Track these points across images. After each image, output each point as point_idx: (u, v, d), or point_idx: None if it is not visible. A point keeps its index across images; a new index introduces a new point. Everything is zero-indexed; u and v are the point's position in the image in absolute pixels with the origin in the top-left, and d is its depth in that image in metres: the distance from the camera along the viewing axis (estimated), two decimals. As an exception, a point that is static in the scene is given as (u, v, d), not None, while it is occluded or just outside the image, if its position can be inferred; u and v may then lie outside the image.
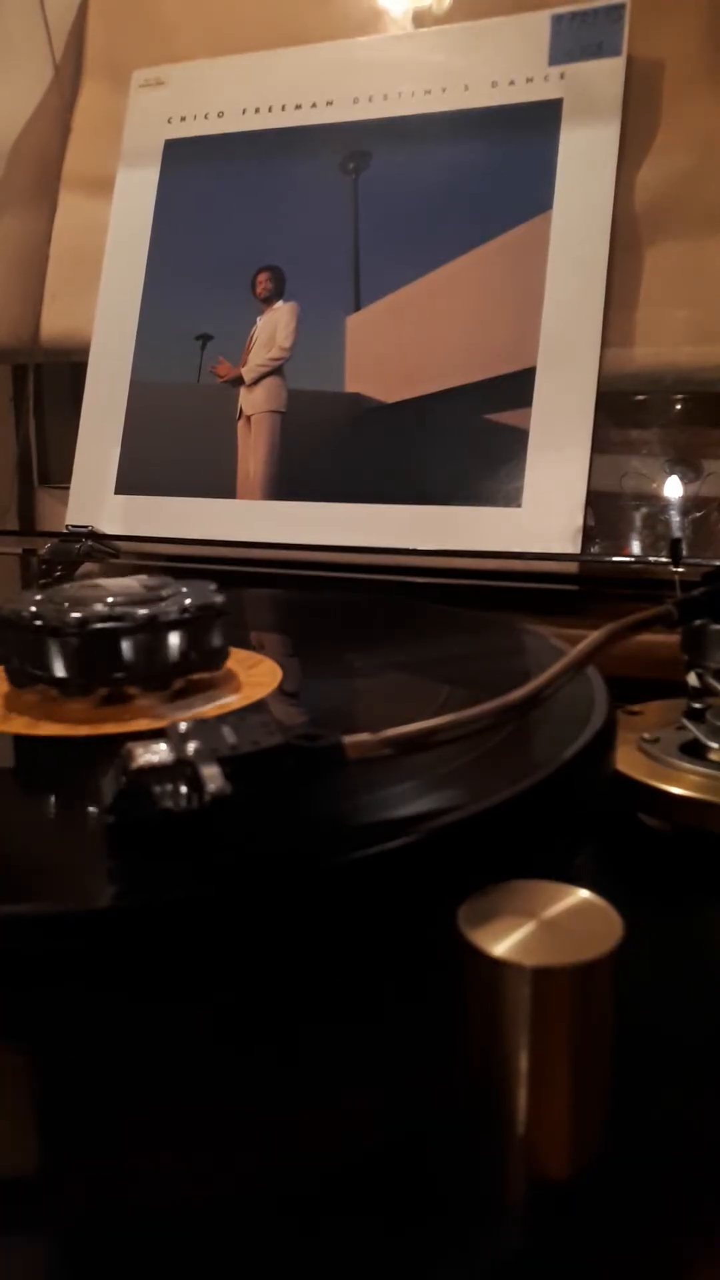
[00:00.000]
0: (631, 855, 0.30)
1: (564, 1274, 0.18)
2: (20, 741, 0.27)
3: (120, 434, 0.57)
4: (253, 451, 0.54)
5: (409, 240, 0.52)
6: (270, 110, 0.57)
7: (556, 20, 0.50)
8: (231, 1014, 0.18)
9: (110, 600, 0.28)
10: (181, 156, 0.58)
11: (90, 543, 0.55)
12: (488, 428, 0.49)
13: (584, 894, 0.19)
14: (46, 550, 0.55)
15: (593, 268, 0.48)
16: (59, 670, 0.27)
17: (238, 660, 0.32)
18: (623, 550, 0.51)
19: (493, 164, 0.51)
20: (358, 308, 0.53)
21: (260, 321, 0.55)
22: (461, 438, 0.49)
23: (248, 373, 0.55)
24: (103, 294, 0.59)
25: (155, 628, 0.27)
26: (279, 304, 0.55)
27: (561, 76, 0.50)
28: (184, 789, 0.19)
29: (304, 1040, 0.19)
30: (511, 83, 0.51)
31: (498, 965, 0.17)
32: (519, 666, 0.34)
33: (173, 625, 0.28)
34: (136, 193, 0.59)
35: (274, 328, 0.54)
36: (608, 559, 0.48)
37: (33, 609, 0.28)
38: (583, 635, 0.28)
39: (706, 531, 0.51)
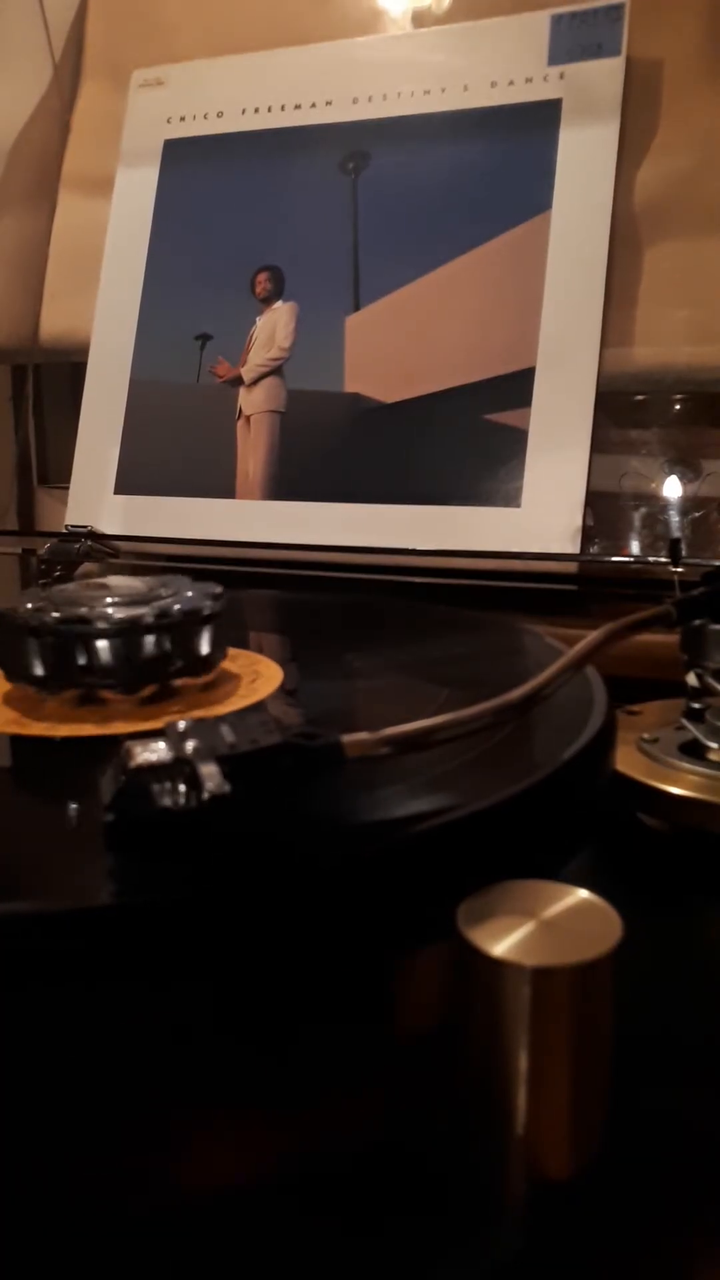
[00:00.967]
0: (631, 855, 0.30)
1: (564, 1274, 0.18)
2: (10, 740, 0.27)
3: (120, 434, 0.57)
4: (252, 451, 0.54)
5: (408, 240, 0.52)
6: (270, 110, 0.57)
7: (556, 20, 0.50)
8: (230, 1013, 0.18)
9: (96, 602, 0.28)
10: (181, 156, 0.58)
11: (89, 543, 0.55)
12: (487, 428, 0.49)
13: (583, 894, 0.19)
14: (46, 550, 0.55)
15: (592, 268, 0.48)
16: (37, 669, 0.28)
17: (237, 660, 0.32)
18: (622, 550, 0.51)
19: (492, 164, 0.51)
20: (357, 308, 0.53)
21: (260, 321, 0.55)
22: (461, 438, 0.49)
23: (247, 373, 0.55)
24: (102, 294, 0.59)
25: (130, 631, 0.27)
26: (278, 304, 0.55)
27: (561, 76, 0.50)
28: (182, 788, 0.19)
29: (303, 1040, 0.19)
30: (511, 83, 0.51)
31: (497, 965, 0.17)
32: (518, 666, 0.34)
33: (148, 629, 0.27)
34: (136, 193, 0.59)
35: (273, 328, 0.54)
36: (607, 559, 0.48)
37: (29, 606, 0.28)
38: (582, 635, 0.28)
39: (706, 531, 0.51)
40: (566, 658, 0.26)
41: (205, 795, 0.19)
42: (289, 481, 0.53)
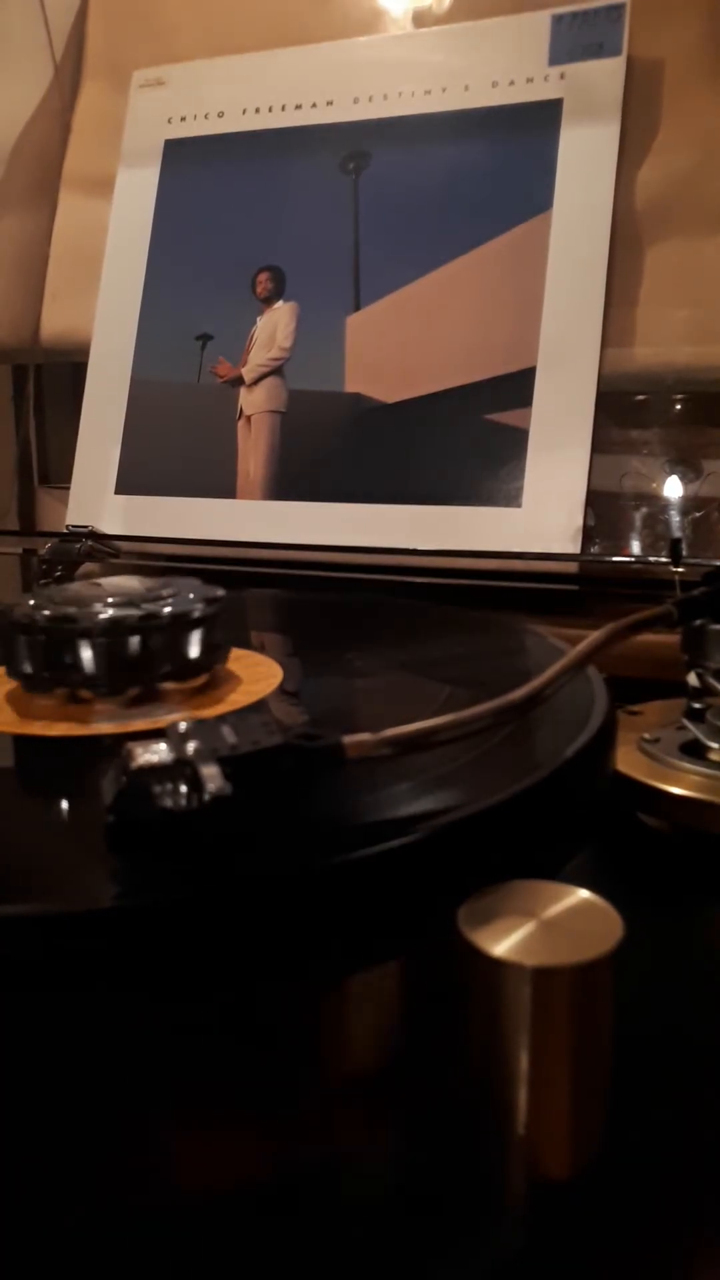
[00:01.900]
0: (631, 855, 0.30)
1: (564, 1274, 0.18)
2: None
3: (120, 434, 0.57)
4: (253, 451, 0.54)
5: (409, 240, 0.52)
6: (270, 110, 0.57)
7: (557, 20, 0.50)
8: (230, 1013, 0.18)
9: (90, 602, 0.28)
10: (182, 156, 0.58)
11: (90, 543, 0.55)
12: (488, 428, 0.49)
13: (584, 894, 0.19)
14: (47, 550, 0.55)
15: (593, 267, 0.48)
16: (26, 667, 0.28)
17: (237, 660, 0.32)
18: (623, 550, 0.51)
19: (493, 164, 0.51)
20: (358, 308, 0.53)
21: (260, 321, 0.55)
22: (461, 438, 0.49)
23: (248, 373, 0.55)
24: (103, 294, 0.59)
25: (112, 632, 0.27)
26: (279, 304, 0.55)
27: (562, 76, 0.50)
28: (183, 788, 0.19)
29: (303, 1039, 0.19)
30: (511, 83, 0.51)
31: (498, 965, 0.17)
32: (519, 666, 0.34)
33: (132, 631, 0.27)
34: (137, 193, 0.59)
35: (274, 328, 0.54)
36: (608, 559, 0.48)
37: (28, 604, 0.28)
38: (583, 635, 0.28)
39: (707, 531, 0.51)
40: (567, 658, 0.26)
41: (206, 796, 0.19)
42: (290, 481, 0.53)
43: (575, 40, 0.50)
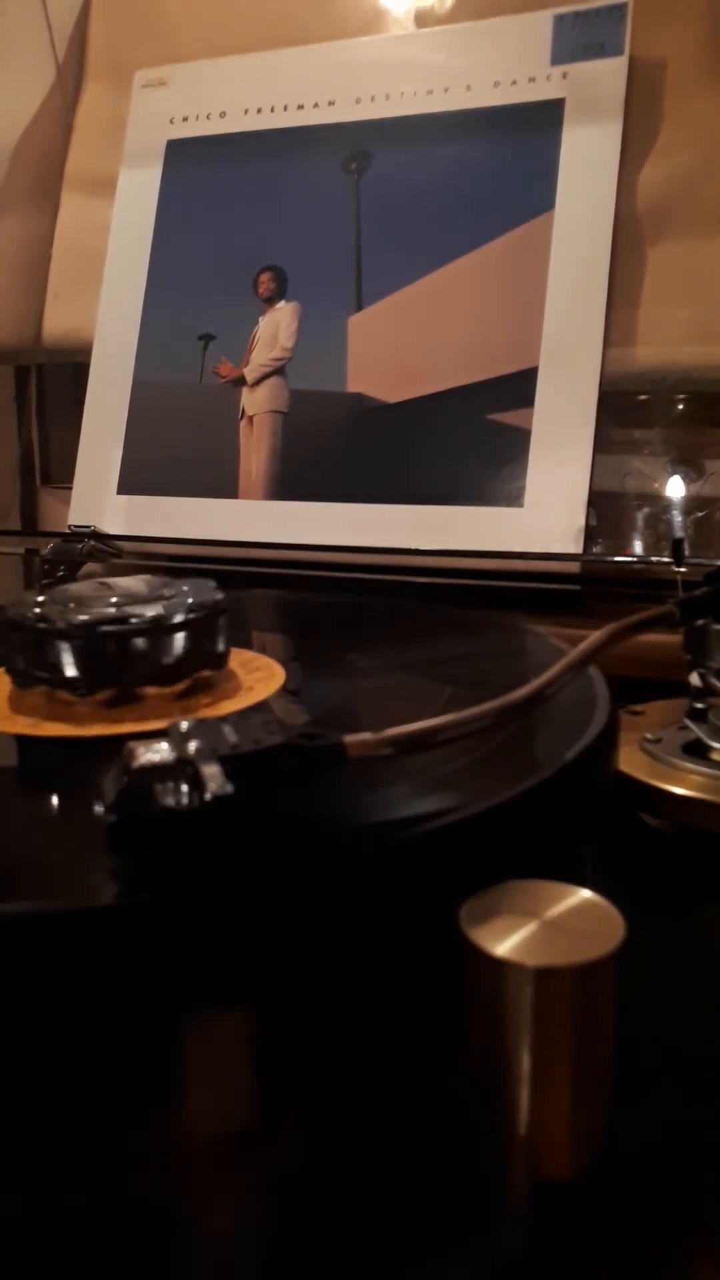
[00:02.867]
0: (633, 855, 0.30)
1: (564, 1274, 0.18)
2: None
3: (122, 434, 0.57)
4: (255, 452, 0.54)
5: (411, 240, 0.52)
6: (272, 110, 0.57)
7: (558, 20, 0.50)
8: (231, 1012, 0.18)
9: (87, 602, 0.28)
10: (184, 157, 0.58)
11: (93, 543, 0.55)
12: (489, 428, 0.49)
13: (586, 894, 0.19)
14: (49, 550, 0.55)
15: (595, 267, 0.48)
16: (19, 664, 0.28)
17: (238, 660, 0.32)
18: (625, 550, 0.51)
19: (495, 164, 0.51)
20: (360, 308, 0.53)
21: (262, 321, 0.55)
22: (463, 438, 0.49)
23: (250, 373, 0.55)
24: (105, 294, 0.59)
25: (89, 635, 0.27)
26: (281, 304, 0.55)
27: (564, 76, 0.50)
28: (185, 788, 0.19)
29: (304, 1039, 0.19)
30: (513, 82, 0.51)
31: (500, 965, 0.17)
32: (520, 666, 0.34)
33: (108, 634, 0.27)
34: (139, 193, 0.59)
35: (276, 328, 0.54)
36: (610, 559, 0.48)
37: (27, 602, 0.28)
38: (584, 635, 0.28)
39: (709, 531, 0.51)
40: (569, 658, 0.26)
41: (208, 795, 0.19)
42: (292, 481, 0.53)
43: (577, 40, 0.50)
